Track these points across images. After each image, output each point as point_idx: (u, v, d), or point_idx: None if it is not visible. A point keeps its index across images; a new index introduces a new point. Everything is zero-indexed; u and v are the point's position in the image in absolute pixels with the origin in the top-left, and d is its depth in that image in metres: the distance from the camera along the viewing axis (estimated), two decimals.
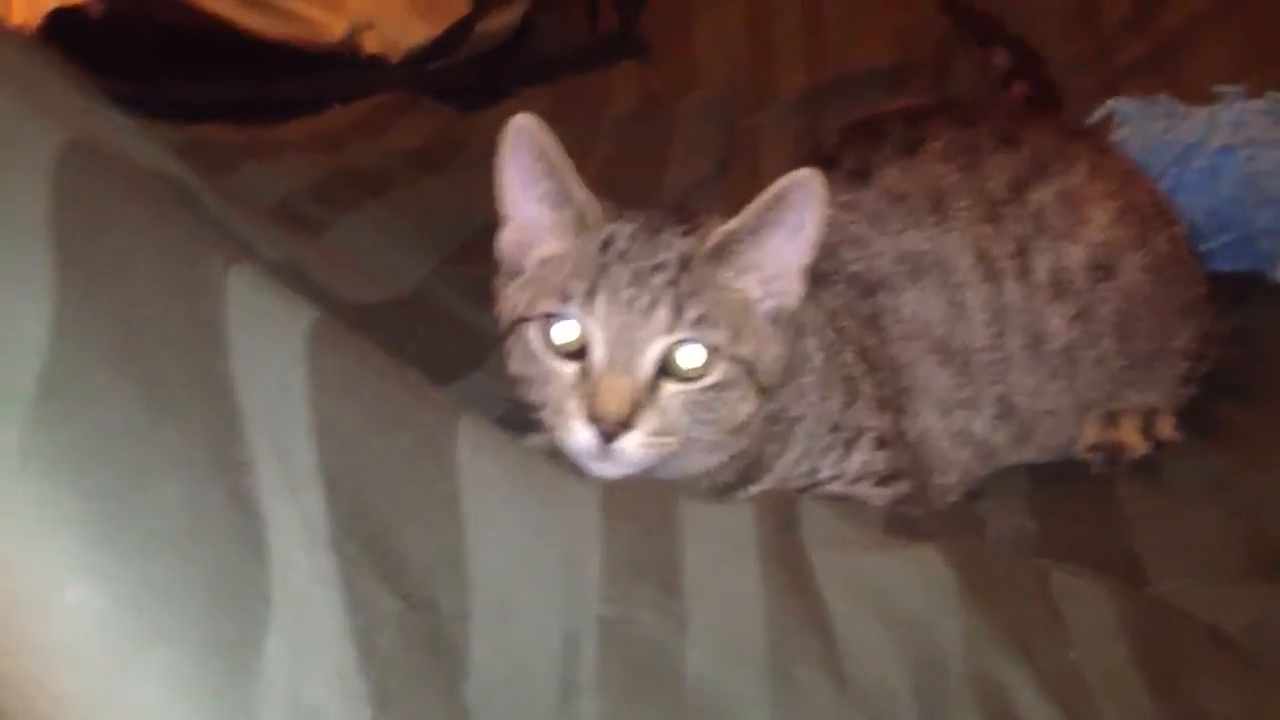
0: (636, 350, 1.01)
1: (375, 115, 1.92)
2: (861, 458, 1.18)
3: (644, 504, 0.77)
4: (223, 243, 0.68)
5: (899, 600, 0.80)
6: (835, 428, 1.17)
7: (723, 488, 1.10)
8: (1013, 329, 1.29)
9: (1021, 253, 1.30)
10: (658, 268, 1.02)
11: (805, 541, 0.82)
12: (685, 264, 1.03)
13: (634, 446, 0.99)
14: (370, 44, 2.22)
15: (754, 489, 1.10)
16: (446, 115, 2.00)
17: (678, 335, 1.01)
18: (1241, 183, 1.57)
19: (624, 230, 1.05)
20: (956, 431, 1.28)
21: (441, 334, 1.34)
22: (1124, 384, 1.37)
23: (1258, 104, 1.60)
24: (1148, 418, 1.39)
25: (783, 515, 0.83)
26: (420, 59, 2.26)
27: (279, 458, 0.58)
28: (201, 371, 0.58)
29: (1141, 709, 0.83)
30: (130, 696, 0.49)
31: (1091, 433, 1.37)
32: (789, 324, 1.10)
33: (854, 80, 2.12)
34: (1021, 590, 0.89)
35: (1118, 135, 1.68)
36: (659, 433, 1.00)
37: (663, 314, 1.01)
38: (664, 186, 1.90)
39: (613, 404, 0.98)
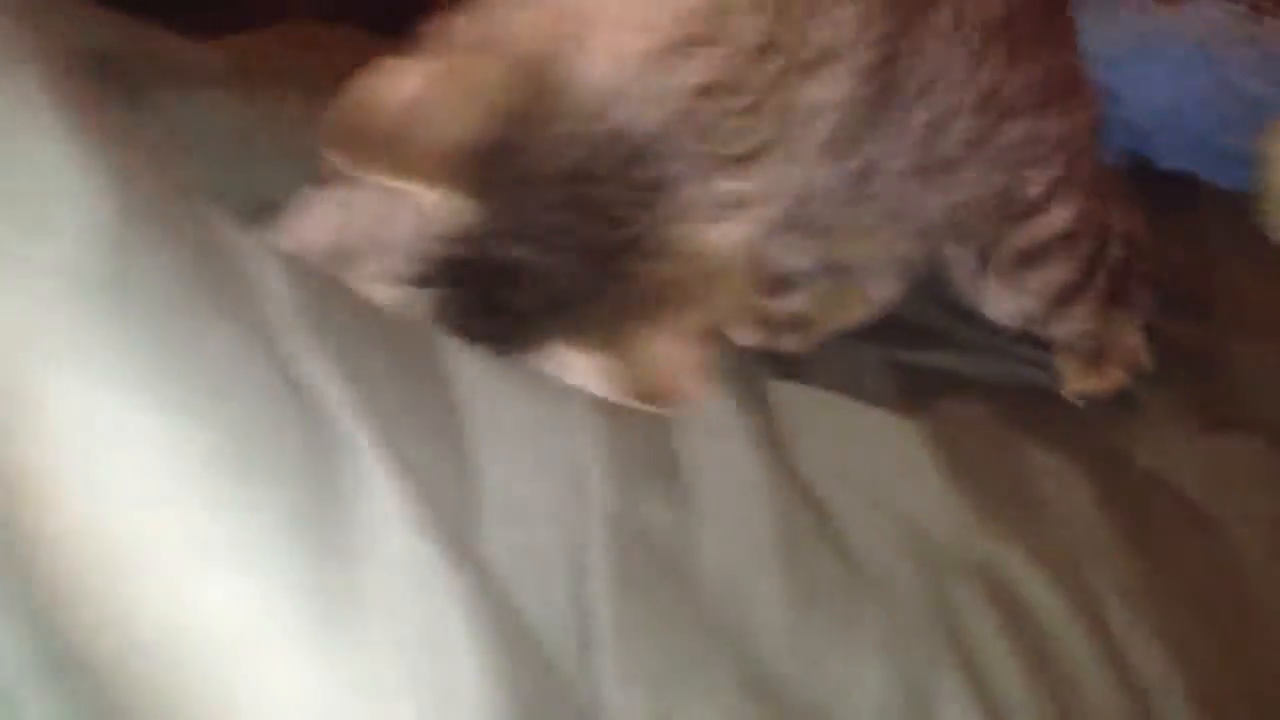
0: None
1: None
2: None
3: None
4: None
5: (885, 488, 0.80)
6: None
7: None
8: None
9: None
10: None
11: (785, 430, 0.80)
12: None
13: None
14: None
15: None
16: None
17: None
18: (1212, 81, 1.53)
19: None
20: None
21: None
22: None
23: (1226, 4, 1.57)
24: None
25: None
26: None
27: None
28: (225, 277, 0.55)
29: (1127, 574, 0.84)
30: (228, 535, 0.46)
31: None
32: None
33: None
34: (997, 470, 0.90)
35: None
36: None
37: None
38: None
39: None
